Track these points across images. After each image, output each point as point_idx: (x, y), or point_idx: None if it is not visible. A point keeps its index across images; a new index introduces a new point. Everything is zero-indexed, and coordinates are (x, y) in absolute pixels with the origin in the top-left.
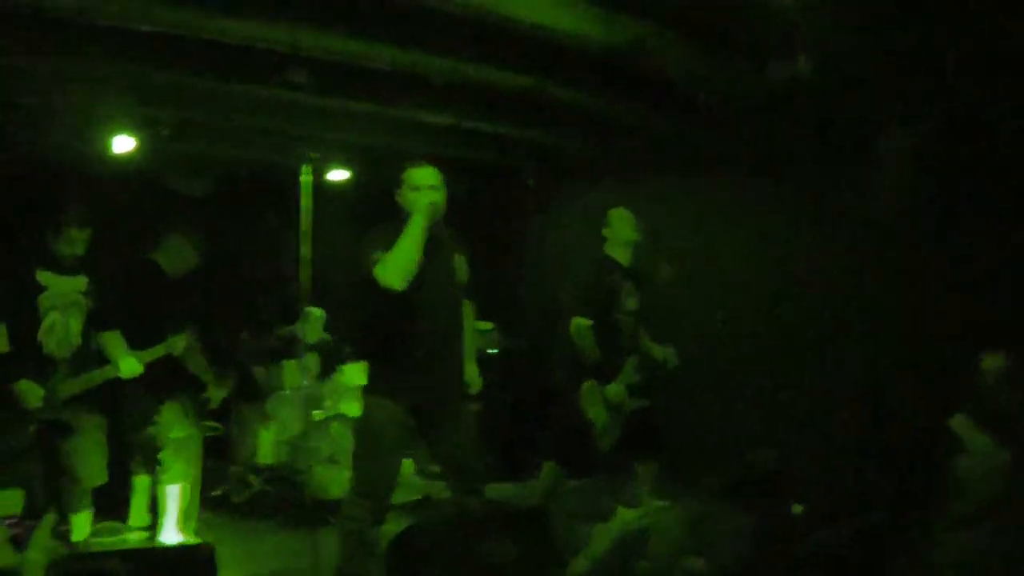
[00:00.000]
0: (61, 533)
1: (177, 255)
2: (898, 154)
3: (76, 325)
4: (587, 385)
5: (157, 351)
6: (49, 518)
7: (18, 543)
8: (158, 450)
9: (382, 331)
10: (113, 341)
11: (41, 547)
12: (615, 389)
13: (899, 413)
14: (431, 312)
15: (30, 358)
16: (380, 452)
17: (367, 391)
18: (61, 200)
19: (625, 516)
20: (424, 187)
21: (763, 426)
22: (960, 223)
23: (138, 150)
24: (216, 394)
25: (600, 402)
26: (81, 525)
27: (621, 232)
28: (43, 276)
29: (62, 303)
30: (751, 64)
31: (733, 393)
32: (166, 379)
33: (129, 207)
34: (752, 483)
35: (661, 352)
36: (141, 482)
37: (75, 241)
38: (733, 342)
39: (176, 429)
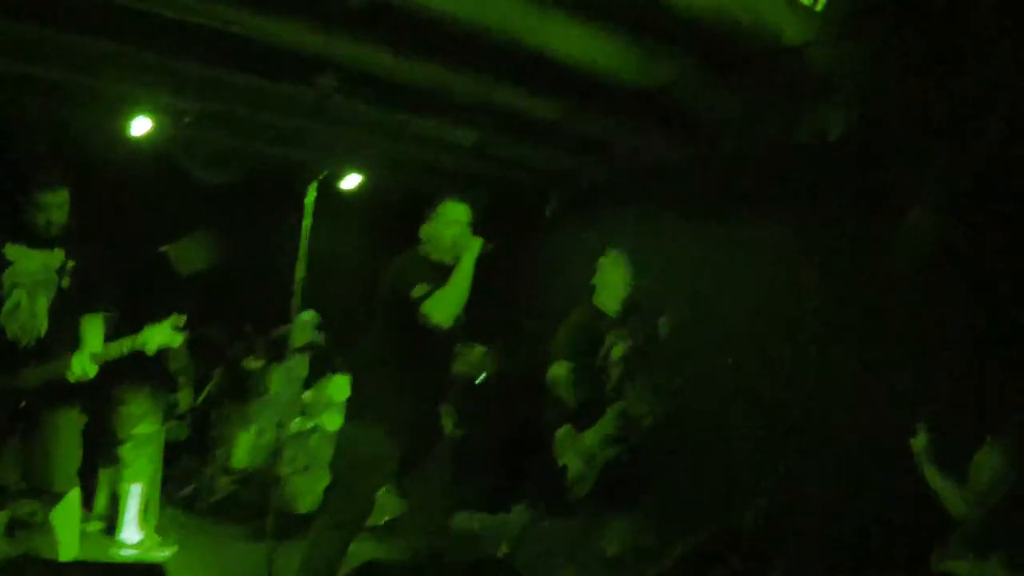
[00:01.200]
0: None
1: (192, 254)
2: (925, 206)
3: (43, 306)
4: (562, 431)
5: (123, 344)
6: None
7: None
8: (119, 443)
9: (379, 352)
10: (91, 327)
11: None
12: (590, 437)
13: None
14: (430, 341)
15: None
16: (363, 483)
17: (352, 414)
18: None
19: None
20: (463, 224)
21: (753, 479)
22: (987, 277)
23: (157, 135)
24: (185, 399)
25: (573, 449)
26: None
27: (611, 280)
28: (11, 250)
29: (29, 281)
30: (783, 109)
31: (723, 444)
32: (142, 368)
33: (142, 194)
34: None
35: (641, 407)
36: (105, 475)
37: (47, 207)
38: (733, 391)
39: (141, 424)
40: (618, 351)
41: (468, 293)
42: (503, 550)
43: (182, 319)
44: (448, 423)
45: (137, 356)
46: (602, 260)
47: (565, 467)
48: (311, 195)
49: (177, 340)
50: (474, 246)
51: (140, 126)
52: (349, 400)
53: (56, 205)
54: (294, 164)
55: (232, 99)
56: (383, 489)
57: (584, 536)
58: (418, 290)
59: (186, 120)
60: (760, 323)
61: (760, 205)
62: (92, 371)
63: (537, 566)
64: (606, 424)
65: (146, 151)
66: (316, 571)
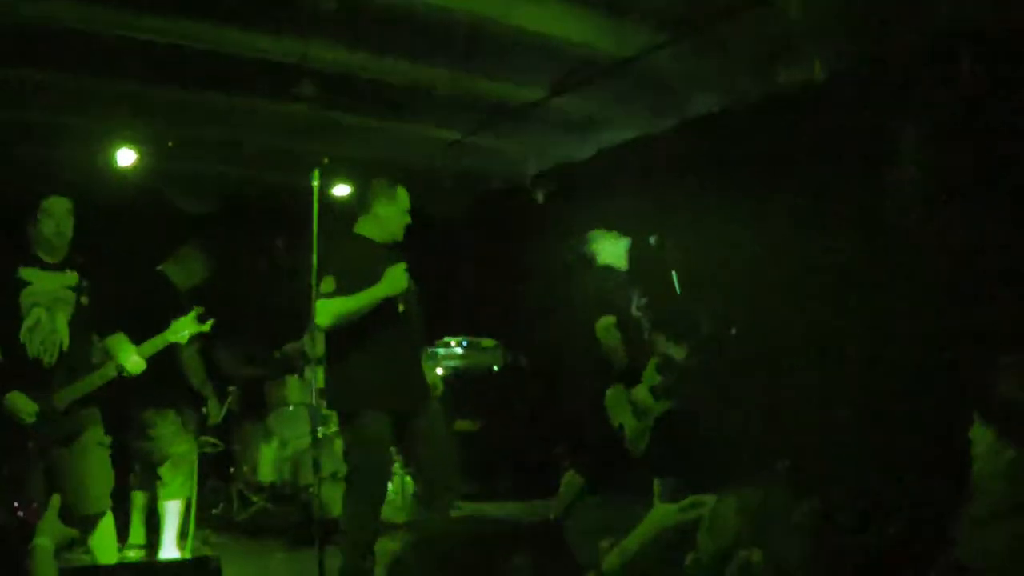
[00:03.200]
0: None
1: (188, 268)
2: (908, 154)
3: (62, 322)
4: (612, 391)
5: (156, 343)
6: (56, 499)
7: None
8: (155, 464)
9: (362, 340)
10: (119, 343)
11: (49, 532)
12: (641, 392)
13: (918, 417)
14: (406, 321)
15: (21, 368)
16: (381, 468)
17: (358, 403)
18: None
19: (665, 510)
20: (403, 210)
21: (778, 433)
22: (975, 222)
23: (143, 165)
24: (216, 410)
25: (627, 407)
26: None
27: (610, 250)
28: (26, 272)
29: (47, 300)
30: (759, 69)
31: (747, 400)
32: (165, 389)
33: (137, 220)
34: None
35: (678, 351)
36: (138, 499)
37: (53, 213)
38: (747, 348)
39: (176, 443)
40: (640, 301)
41: (359, 313)
42: (554, 515)
43: (202, 310)
44: (438, 385)
45: (159, 379)
46: (594, 243)
47: (616, 430)
48: (315, 180)
49: (205, 327)
50: (397, 280)
51: (124, 157)
52: (340, 391)
53: (63, 211)
54: (276, 185)
55: (209, 122)
56: (411, 489)
57: (633, 505)
58: (325, 284)
59: (170, 144)
60: (762, 281)
61: (753, 163)
62: (143, 365)
63: (587, 535)
64: (651, 376)
65: (130, 183)
66: (354, 566)
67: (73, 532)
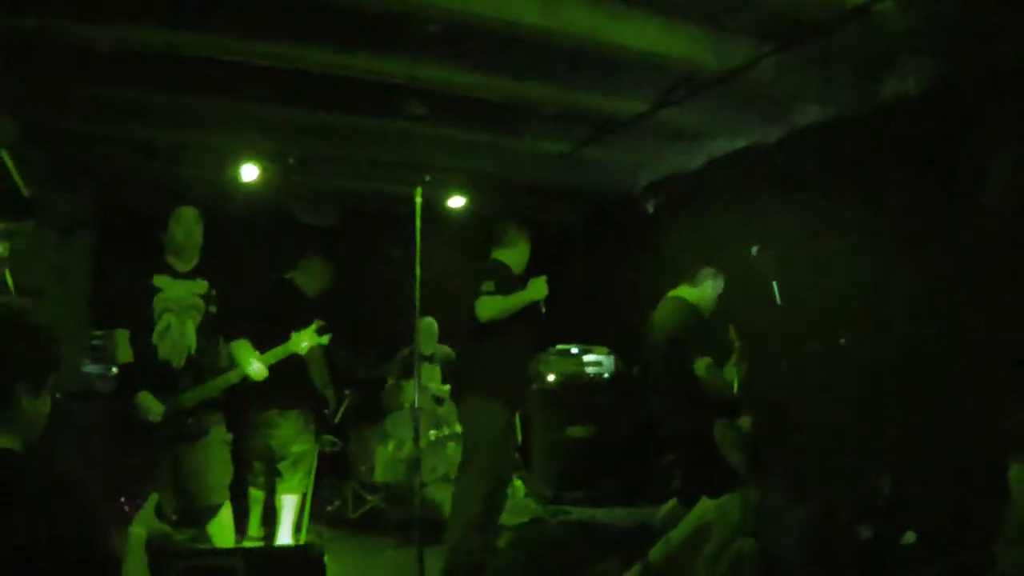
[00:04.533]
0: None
1: (315, 275)
2: (1003, 172)
3: (191, 328)
4: (720, 427)
5: (277, 352)
6: (154, 496)
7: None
8: (276, 461)
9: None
10: (243, 349)
11: (144, 523)
12: (745, 423)
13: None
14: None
15: (151, 370)
16: (493, 453)
17: (472, 393)
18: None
19: (705, 505)
20: (527, 250)
21: (878, 450)
22: None
23: (266, 182)
24: (337, 408)
25: (735, 440)
26: (218, 533)
27: (707, 294)
28: (159, 280)
29: (177, 306)
30: (862, 83)
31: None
32: (290, 391)
33: (263, 231)
34: (865, 509)
35: (761, 382)
36: (256, 495)
37: (183, 219)
38: (846, 363)
39: (298, 442)
40: (733, 334)
41: (514, 311)
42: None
43: (322, 323)
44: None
45: (285, 381)
46: (703, 273)
47: (725, 463)
48: (417, 197)
49: (324, 340)
50: (540, 288)
51: (248, 173)
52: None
53: (192, 217)
54: (391, 196)
55: (326, 140)
56: (522, 492)
57: None
58: (487, 285)
59: (290, 161)
60: (863, 294)
61: (854, 177)
62: (265, 372)
63: None
64: (743, 405)
65: (255, 198)
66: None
67: (165, 527)
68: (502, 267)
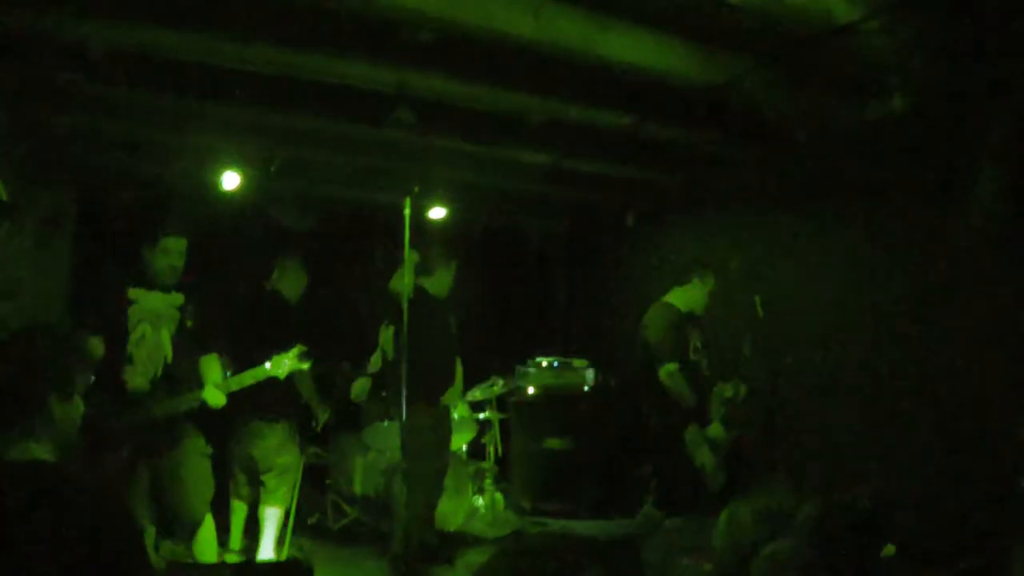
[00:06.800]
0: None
1: (292, 277)
2: (992, 185)
3: (166, 337)
4: (690, 431)
5: (256, 374)
6: (152, 530)
7: None
8: (260, 472)
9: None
10: (209, 364)
11: None
12: (716, 428)
13: (1002, 448)
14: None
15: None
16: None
17: (413, 398)
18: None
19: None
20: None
21: (860, 460)
22: None
23: (249, 186)
24: (321, 417)
25: (705, 445)
26: (202, 544)
27: (696, 295)
28: (134, 292)
29: (152, 316)
30: (846, 99)
31: (831, 424)
32: (276, 402)
33: (242, 238)
34: (844, 522)
35: (731, 388)
36: (239, 507)
37: (170, 252)
38: (831, 374)
39: (283, 454)
40: (697, 341)
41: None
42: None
43: (304, 349)
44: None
45: (271, 391)
46: (693, 276)
47: (696, 468)
48: (406, 208)
49: (304, 366)
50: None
51: (229, 180)
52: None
53: (178, 251)
54: (373, 204)
55: (311, 145)
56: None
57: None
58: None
59: (272, 169)
60: (849, 309)
61: (837, 192)
62: (223, 400)
63: (665, 553)
64: (717, 410)
65: (237, 201)
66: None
67: (162, 564)
68: (421, 293)
